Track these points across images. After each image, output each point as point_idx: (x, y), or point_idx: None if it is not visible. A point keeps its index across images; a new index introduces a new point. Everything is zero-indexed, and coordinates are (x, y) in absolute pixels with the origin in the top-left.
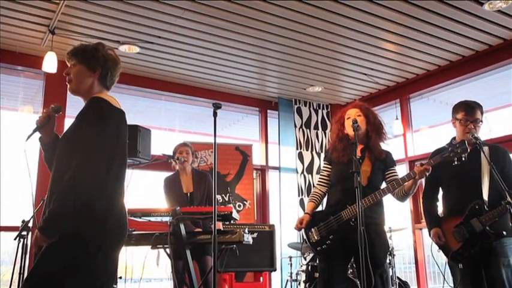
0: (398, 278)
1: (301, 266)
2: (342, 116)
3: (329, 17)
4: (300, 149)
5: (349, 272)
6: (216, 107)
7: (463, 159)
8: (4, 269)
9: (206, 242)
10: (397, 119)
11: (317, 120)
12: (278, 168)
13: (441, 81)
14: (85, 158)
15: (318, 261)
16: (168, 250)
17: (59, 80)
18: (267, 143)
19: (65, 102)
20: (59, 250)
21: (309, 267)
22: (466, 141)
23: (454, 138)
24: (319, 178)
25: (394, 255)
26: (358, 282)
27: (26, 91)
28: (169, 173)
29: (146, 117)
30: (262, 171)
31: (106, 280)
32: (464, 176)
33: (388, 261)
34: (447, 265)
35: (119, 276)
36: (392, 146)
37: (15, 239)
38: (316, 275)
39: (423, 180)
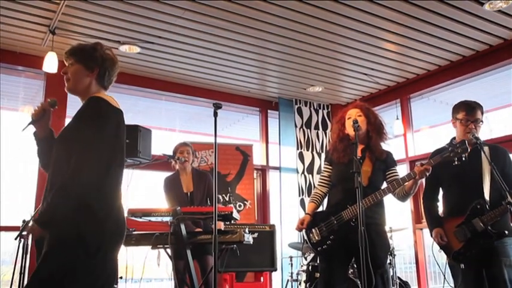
0: (399, 278)
1: (302, 266)
2: (342, 116)
3: (329, 17)
4: (301, 149)
5: (349, 272)
6: (217, 107)
7: (463, 159)
8: (5, 269)
9: (207, 242)
10: (397, 119)
11: (317, 120)
12: (279, 168)
13: (441, 81)
14: (84, 158)
15: (318, 261)
16: (168, 250)
17: (60, 80)
18: (267, 143)
19: (66, 103)
20: (59, 251)
21: (310, 267)
22: (466, 141)
23: (454, 138)
24: (320, 179)
25: (394, 255)
26: (359, 282)
27: (26, 91)
28: (169, 173)
29: (147, 117)
30: (263, 171)
31: (106, 280)
32: (465, 176)
33: (388, 261)
34: (447, 265)
35: (119, 276)
36: (392, 146)
37: (15, 238)
38: (317, 275)
39: (423, 180)
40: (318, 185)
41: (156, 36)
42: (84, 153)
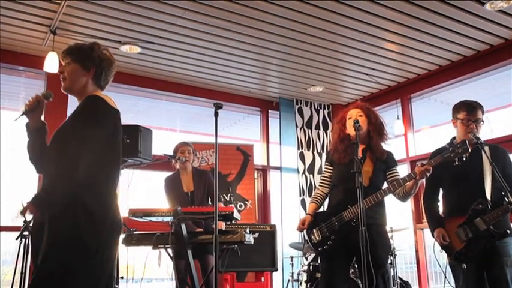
0: (400, 278)
1: (303, 266)
2: (343, 116)
3: (330, 17)
4: (301, 149)
5: (350, 272)
6: (217, 107)
7: (464, 159)
8: (6, 269)
9: (207, 242)
10: (398, 119)
11: (318, 120)
12: (279, 168)
13: (442, 81)
14: (79, 157)
15: (319, 261)
16: (169, 250)
17: (60, 80)
18: (268, 143)
19: (66, 103)
20: (58, 252)
21: (311, 267)
22: (467, 141)
23: (454, 138)
24: (321, 179)
25: (395, 255)
26: (360, 282)
27: (27, 91)
28: (170, 173)
29: (147, 117)
30: (264, 171)
31: (105, 280)
32: (466, 176)
33: (389, 261)
34: (448, 265)
35: (120, 276)
36: (393, 146)
37: (16, 238)
38: (318, 275)
39: (424, 180)
40: (319, 185)
41: (156, 36)
42: (80, 152)
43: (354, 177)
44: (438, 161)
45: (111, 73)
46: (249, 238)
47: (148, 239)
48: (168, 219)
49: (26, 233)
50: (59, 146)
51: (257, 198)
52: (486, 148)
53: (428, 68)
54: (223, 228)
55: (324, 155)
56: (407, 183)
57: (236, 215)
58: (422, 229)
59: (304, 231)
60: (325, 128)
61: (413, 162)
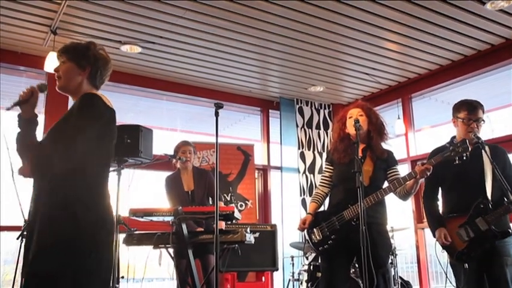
0: (401, 277)
1: (303, 265)
2: (343, 115)
3: (331, 16)
4: (302, 148)
5: (351, 271)
6: (218, 106)
7: (465, 158)
8: (7, 269)
9: (208, 241)
10: (399, 118)
11: (319, 120)
12: (280, 168)
13: (443, 81)
14: (73, 156)
15: (320, 261)
16: (170, 249)
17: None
18: (268, 142)
19: (67, 103)
20: (48, 253)
21: (311, 267)
22: (467, 140)
23: (454, 137)
24: (321, 179)
25: (396, 254)
26: (361, 281)
27: None
28: (170, 173)
29: (148, 117)
30: (264, 171)
31: (100, 281)
32: (466, 176)
33: (390, 260)
34: (449, 265)
35: (121, 275)
36: (394, 145)
37: (17, 238)
38: (318, 274)
39: (423, 179)
40: (319, 185)
41: (157, 36)
42: (77, 151)
43: (355, 176)
44: (438, 160)
45: (107, 73)
46: (250, 238)
47: (149, 239)
48: (169, 219)
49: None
50: (54, 136)
51: (258, 197)
52: (486, 148)
53: (429, 68)
54: (224, 228)
55: (324, 155)
56: (408, 182)
57: (237, 214)
58: (423, 229)
59: (305, 230)
60: (326, 128)
61: (414, 162)
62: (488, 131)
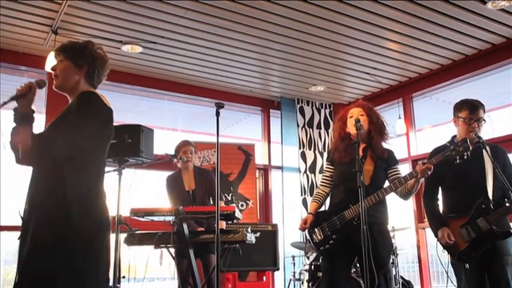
0: (402, 277)
1: (304, 265)
2: (344, 114)
3: (332, 16)
4: (303, 148)
5: (352, 271)
6: (219, 106)
7: (465, 157)
8: (8, 269)
9: (209, 241)
10: (399, 118)
11: (320, 120)
12: (281, 168)
13: (444, 80)
14: (75, 154)
15: (321, 261)
16: (171, 249)
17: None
18: (269, 142)
19: (68, 103)
20: (47, 253)
21: (312, 267)
22: (468, 139)
23: (454, 137)
24: (322, 179)
25: (397, 254)
26: (362, 281)
27: None
28: (171, 172)
29: (149, 117)
30: (265, 170)
31: (96, 283)
32: (467, 175)
33: (391, 260)
34: (450, 264)
35: (122, 275)
36: (395, 145)
37: (18, 238)
38: (319, 274)
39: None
40: (320, 184)
41: (158, 36)
42: (72, 149)
43: (355, 176)
44: (439, 159)
45: (105, 72)
46: (251, 237)
47: (150, 239)
48: (170, 218)
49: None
50: (52, 134)
51: (258, 197)
52: (487, 147)
53: (430, 67)
54: (224, 228)
55: (325, 155)
56: (409, 181)
57: (237, 214)
58: (424, 228)
59: (306, 230)
60: (327, 128)
61: (414, 162)
62: (489, 130)
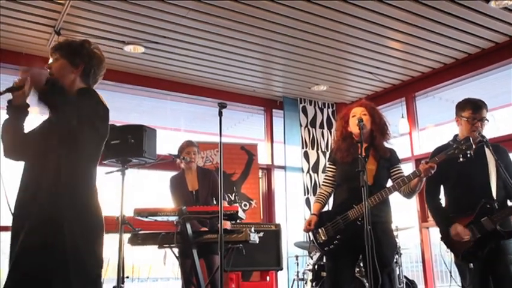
0: (406, 277)
1: (308, 265)
2: (346, 113)
3: (336, 16)
4: (306, 148)
5: (356, 271)
6: (221, 106)
7: (468, 156)
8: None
9: (213, 241)
10: (402, 117)
11: (322, 119)
12: (284, 168)
13: (447, 79)
14: (69, 156)
15: (325, 260)
16: (174, 249)
17: None
18: (272, 142)
19: None
20: (42, 253)
21: (316, 266)
22: (471, 138)
23: (457, 136)
24: (324, 179)
25: (401, 254)
26: (366, 281)
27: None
28: (174, 172)
29: (152, 117)
30: (268, 170)
31: (92, 283)
32: (471, 174)
33: (395, 260)
34: (454, 264)
35: (126, 275)
36: (398, 144)
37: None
38: (323, 274)
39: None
40: (323, 184)
41: (160, 36)
42: (73, 149)
43: (358, 176)
44: (442, 158)
45: (101, 72)
46: (254, 237)
47: (154, 239)
48: (174, 218)
49: None
50: (50, 128)
51: (262, 197)
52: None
53: (433, 66)
54: (229, 228)
55: (328, 154)
56: (412, 180)
57: (241, 214)
58: (427, 228)
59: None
60: (329, 127)
61: (418, 161)
62: (493, 129)
